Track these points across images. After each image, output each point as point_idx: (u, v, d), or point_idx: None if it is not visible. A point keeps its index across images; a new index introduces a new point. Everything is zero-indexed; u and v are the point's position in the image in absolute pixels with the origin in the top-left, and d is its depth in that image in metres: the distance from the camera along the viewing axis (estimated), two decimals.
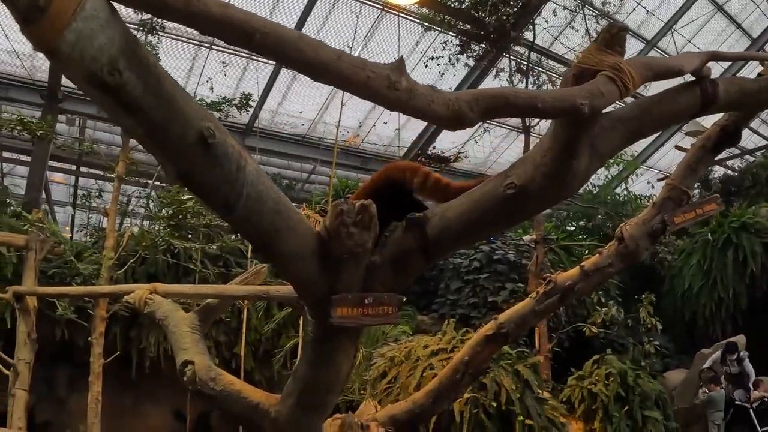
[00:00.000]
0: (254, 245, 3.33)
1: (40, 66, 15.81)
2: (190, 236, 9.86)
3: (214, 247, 10.22)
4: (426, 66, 16.83)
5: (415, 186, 4.03)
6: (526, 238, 13.85)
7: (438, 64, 16.76)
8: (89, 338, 8.87)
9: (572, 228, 21.15)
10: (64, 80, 15.77)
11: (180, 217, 8.89)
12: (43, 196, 16.73)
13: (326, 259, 3.45)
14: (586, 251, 18.20)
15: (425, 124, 19.07)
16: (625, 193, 21.96)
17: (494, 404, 9.45)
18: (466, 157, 20.05)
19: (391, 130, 19.04)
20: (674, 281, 18.50)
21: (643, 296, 12.92)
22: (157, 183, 11.17)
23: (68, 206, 19.57)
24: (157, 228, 10.05)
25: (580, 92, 3.18)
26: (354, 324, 3.66)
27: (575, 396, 11.05)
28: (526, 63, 15.15)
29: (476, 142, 19.64)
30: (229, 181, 2.95)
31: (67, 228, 16.66)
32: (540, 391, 10.34)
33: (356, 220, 3.41)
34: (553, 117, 3.32)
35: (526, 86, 14.90)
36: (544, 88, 15.66)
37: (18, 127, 9.33)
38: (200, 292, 5.09)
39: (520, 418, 9.59)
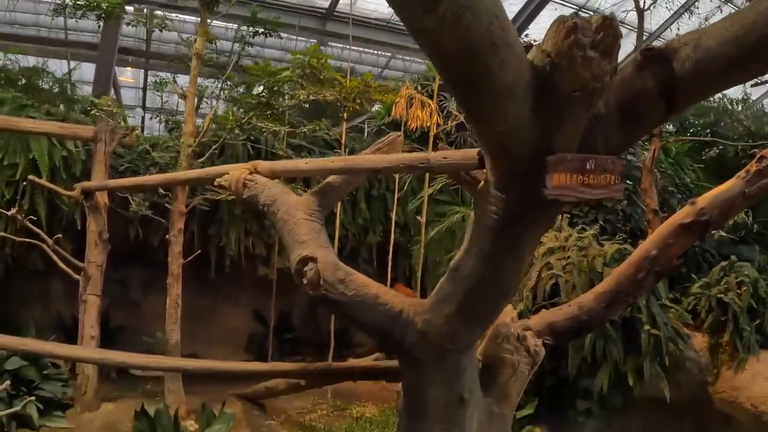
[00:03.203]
0: (454, 67, 2.20)
1: None
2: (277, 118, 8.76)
3: (306, 129, 9.03)
4: None
5: None
6: None
7: None
8: (166, 236, 7.93)
9: None
10: None
11: (275, 89, 7.69)
12: (113, 95, 15.81)
13: (545, 98, 2.33)
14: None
15: (521, 5, 17.38)
16: (718, 96, 19.93)
17: None
18: None
19: None
20: None
21: None
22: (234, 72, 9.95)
23: (137, 108, 18.71)
24: (241, 111, 8.89)
25: None
26: (572, 198, 2.59)
27: (702, 305, 9.77)
28: None
29: None
30: None
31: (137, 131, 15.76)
32: (665, 299, 9.18)
33: (596, 39, 2.30)
34: None
35: None
36: None
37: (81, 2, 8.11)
38: (322, 167, 3.90)
39: (646, 326, 8.47)
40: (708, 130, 17.42)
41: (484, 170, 3.04)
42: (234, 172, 4.28)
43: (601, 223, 10.33)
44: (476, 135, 2.69)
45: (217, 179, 4.48)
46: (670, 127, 19.39)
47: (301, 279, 3.71)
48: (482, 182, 3.11)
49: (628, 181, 11.10)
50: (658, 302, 8.90)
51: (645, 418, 9.22)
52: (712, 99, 18.50)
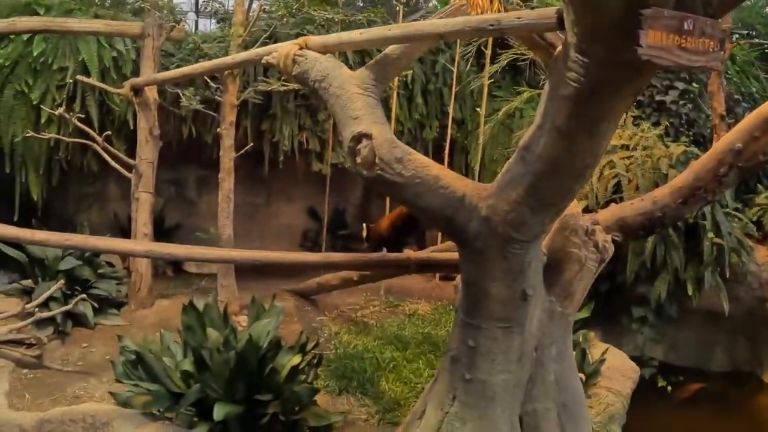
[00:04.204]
0: None
1: None
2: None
3: (362, 17, 8.58)
4: None
5: None
6: None
7: None
8: (218, 130, 7.74)
9: None
10: None
11: None
12: None
13: None
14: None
15: None
16: None
17: None
18: None
19: None
20: None
21: None
22: None
23: (190, 12, 18.36)
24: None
25: None
26: (667, 61, 2.25)
27: (767, 218, 9.29)
28: None
29: None
30: None
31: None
32: (730, 207, 8.77)
33: None
34: None
35: None
36: None
37: None
38: (379, 36, 3.55)
39: (710, 234, 8.10)
40: None
41: (561, 34, 2.72)
42: (282, 49, 3.99)
43: (668, 124, 9.85)
44: None
45: (265, 57, 4.21)
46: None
47: (354, 158, 3.45)
48: (559, 47, 2.78)
49: (693, 84, 10.52)
50: (723, 210, 8.51)
51: (697, 330, 9.05)
52: None
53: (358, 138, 3.43)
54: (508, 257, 3.53)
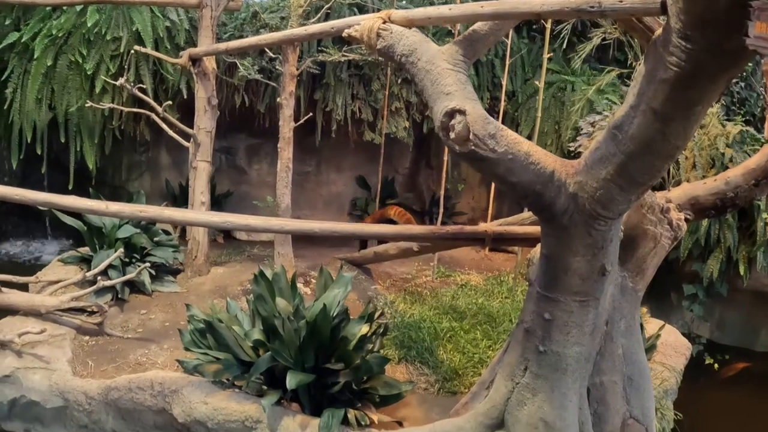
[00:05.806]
0: None
1: None
2: None
3: None
4: None
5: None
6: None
7: None
8: (277, 100, 7.75)
9: None
10: None
11: None
12: None
13: None
14: None
15: None
16: None
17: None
18: None
19: None
20: None
21: None
22: None
23: None
24: None
25: None
26: None
27: None
28: None
29: None
30: None
31: None
32: None
33: None
34: None
35: None
36: None
37: None
38: (470, 12, 3.51)
39: (764, 214, 8.06)
40: None
41: (661, 18, 2.74)
42: (366, 22, 4.01)
43: (723, 103, 9.75)
44: None
45: (346, 30, 4.22)
46: None
47: (446, 133, 3.47)
48: (658, 31, 2.80)
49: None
50: None
51: (744, 310, 9.07)
52: None
53: (451, 113, 3.46)
54: (592, 233, 3.58)
